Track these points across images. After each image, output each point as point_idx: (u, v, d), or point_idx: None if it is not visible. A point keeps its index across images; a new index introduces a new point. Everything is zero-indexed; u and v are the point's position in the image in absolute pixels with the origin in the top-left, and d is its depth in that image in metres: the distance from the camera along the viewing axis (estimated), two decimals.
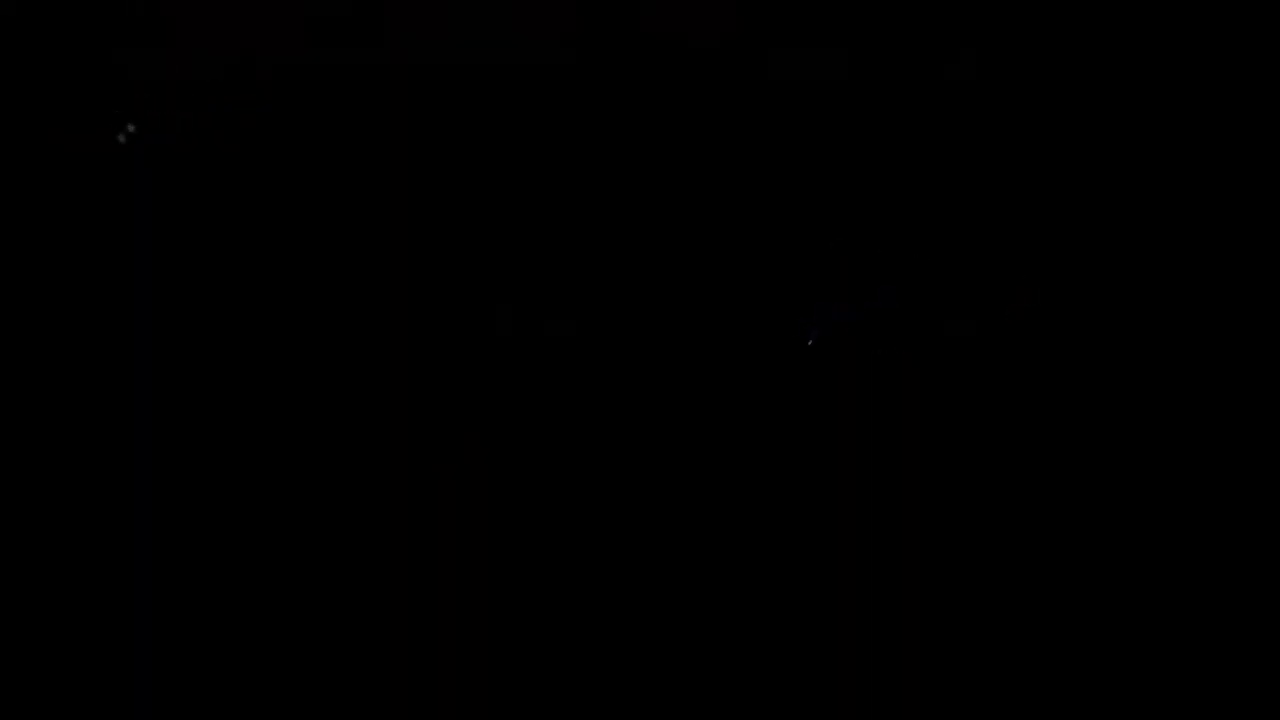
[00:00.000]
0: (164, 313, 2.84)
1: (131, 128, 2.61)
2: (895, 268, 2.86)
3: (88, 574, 2.67)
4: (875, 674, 2.62)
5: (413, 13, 2.98)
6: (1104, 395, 2.76)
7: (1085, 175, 2.88)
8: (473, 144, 2.94)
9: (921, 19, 2.93)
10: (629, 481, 2.74)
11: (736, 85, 2.93)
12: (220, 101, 2.96)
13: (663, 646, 2.63)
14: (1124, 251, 2.84)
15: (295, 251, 2.88)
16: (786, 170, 2.92)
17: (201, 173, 2.92)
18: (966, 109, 2.90)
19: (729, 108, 2.93)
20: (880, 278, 2.86)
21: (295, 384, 2.80)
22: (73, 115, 2.94)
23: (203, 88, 2.96)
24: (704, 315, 2.86)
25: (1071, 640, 2.61)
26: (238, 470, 2.74)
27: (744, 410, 2.78)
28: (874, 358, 2.80)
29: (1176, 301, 2.81)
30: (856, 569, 2.69)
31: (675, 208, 2.91)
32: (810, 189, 2.91)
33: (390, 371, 2.82)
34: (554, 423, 2.78)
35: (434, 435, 2.78)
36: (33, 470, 2.74)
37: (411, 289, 2.87)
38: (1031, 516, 2.70)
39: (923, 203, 2.89)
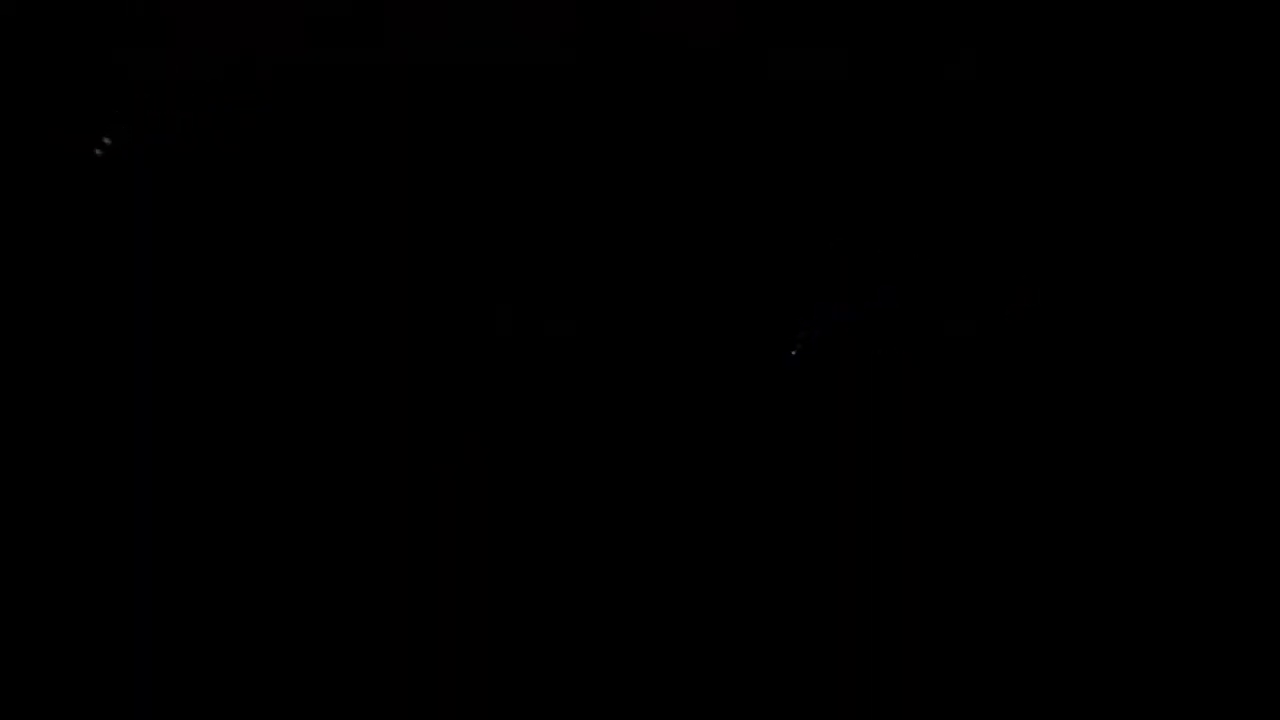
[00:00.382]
0: (164, 313, 2.84)
1: (108, 141, 2.61)
2: (895, 268, 2.86)
3: (88, 574, 2.67)
4: (875, 674, 2.62)
5: (413, 13, 2.97)
6: (1104, 395, 2.76)
7: (1085, 175, 2.88)
8: (473, 144, 2.94)
9: (921, 19, 2.93)
10: (629, 481, 2.74)
11: (736, 85, 2.93)
12: (220, 101, 2.96)
13: (663, 646, 2.63)
14: (1124, 252, 2.84)
15: (295, 251, 2.88)
16: (786, 170, 2.92)
17: (201, 173, 2.92)
18: (966, 109, 2.90)
19: (729, 108, 2.93)
20: (880, 278, 2.86)
21: (295, 384, 2.80)
22: (73, 115, 2.94)
23: (203, 88, 2.96)
24: (704, 315, 2.86)
25: (1071, 640, 2.61)
26: (238, 470, 2.75)
27: (744, 410, 2.78)
28: (874, 358, 2.80)
29: (1176, 301, 2.81)
30: (856, 569, 2.69)
31: (675, 208, 2.91)
32: (810, 189, 2.91)
33: (390, 371, 2.82)
34: (554, 423, 2.78)
35: (434, 435, 2.78)
36: (33, 470, 2.74)
37: (411, 289, 2.87)
38: (1031, 516, 2.70)
39: (923, 203, 2.89)
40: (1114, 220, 2.86)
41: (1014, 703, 2.57)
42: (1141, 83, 2.90)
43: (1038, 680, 2.59)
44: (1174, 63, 2.89)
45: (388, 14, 2.97)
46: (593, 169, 2.92)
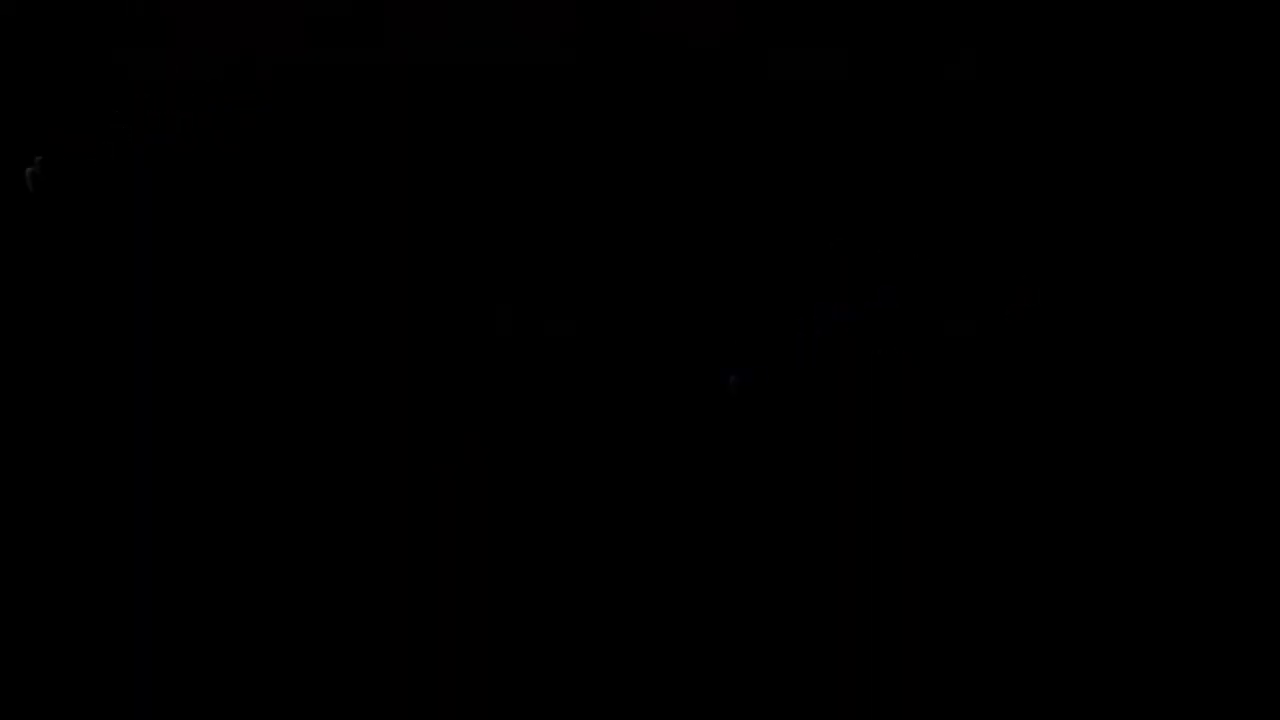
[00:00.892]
0: (164, 312, 2.84)
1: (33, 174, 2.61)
2: (895, 268, 2.86)
3: (88, 574, 2.67)
4: (875, 674, 2.62)
5: (413, 13, 2.98)
6: (1103, 395, 2.76)
7: (1084, 175, 2.88)
8: (472, 144, 2.94)
9: (921, 19, 2.93)
10: (629, 481, 2.74)
11: (736, 85, 2.93)
12: (220, 101, 2.96)
13: (663, 645, 2.63)
14: (1124, 252, 2.84)
15: (295, 251, 2.88)
16: (787, 170, 2.92)
17: (201, 173, 2.92)
18: (966, 109, 2.90)
19: (729, 108, 2.93)
20: (880, 278, 2.86)
21: (295, 384, 2.80)
22: (73, 115, 2.94)
23: (203, 88, 2.96)
24: (704, 315, 2.86)
25: (1071, 639, 2.61)
26: (238, 470, 2.74)
27: (745, 409, 2.78)
28: (874, 358, 2.80)
29: (1176, 301, 2.81)
30: (856, 567, 2.68)
31: (675, 208, 2.91)
32: (810, 189, 2.90)
33: (390, 371, 2.82)
34: (554, 423, 2.78)
35: (434, 435, 2.78)
36: (34, 469, 2.74)
37: (411, 289, 2.87)
38: (1031, 515, 2.70)
39: (923, 203, 2.89)
40: (1113, 220, 2.86)
41: (1014, 703, 2.57)
42: (1141, 82, 2.90)
43: (1038, 680, 2.58)
44: (1173, 62, 2.89)
45: (388, 14, 2.97)
46: (592, 169, 2.92)
